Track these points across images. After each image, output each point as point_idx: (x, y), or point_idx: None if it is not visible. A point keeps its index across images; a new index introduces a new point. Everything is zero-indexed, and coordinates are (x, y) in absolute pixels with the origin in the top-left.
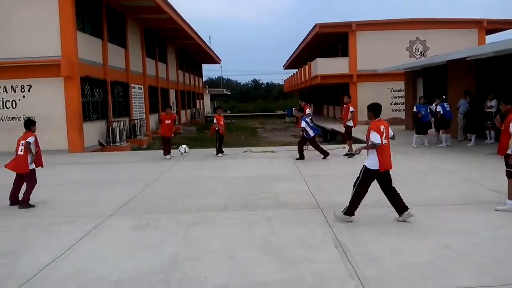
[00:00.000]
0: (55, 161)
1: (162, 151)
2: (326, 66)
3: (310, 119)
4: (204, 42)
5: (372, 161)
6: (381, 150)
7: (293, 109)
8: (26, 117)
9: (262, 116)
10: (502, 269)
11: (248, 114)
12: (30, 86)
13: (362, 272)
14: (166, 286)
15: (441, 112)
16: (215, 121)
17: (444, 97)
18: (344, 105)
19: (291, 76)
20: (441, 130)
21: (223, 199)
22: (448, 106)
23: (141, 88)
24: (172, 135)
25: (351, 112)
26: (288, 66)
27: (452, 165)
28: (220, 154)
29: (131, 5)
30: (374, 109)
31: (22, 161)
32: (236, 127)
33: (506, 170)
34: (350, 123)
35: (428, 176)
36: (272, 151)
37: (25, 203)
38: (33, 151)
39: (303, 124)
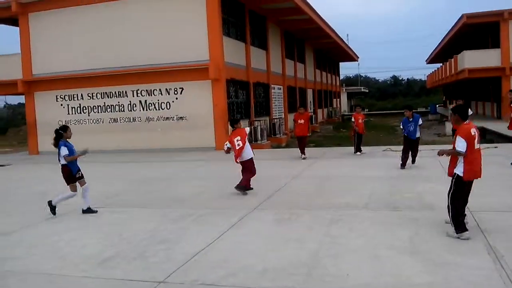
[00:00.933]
0: (207, 158)
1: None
2: (475, 59)
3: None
4: (342, 40)
5: (462, 169)
6: (470, 157)
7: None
8: (178, 117)
9: (402, 114)
10: None
11: (387, 112)
12: (182, 89)
13: None
14: (309, 279)
15: None
16: (353, 119)
17: None
18: (511, 104)
19: (435, 71)
20: None
21: (363, 198)
22: None
23: (280, 89)
24: (308, 134)
25: None
26: (432, 60)
27: None
28: (358, 153)
29: (272, 7)
30: (460, 112)
31: (238, 154)
32: (374, 126)
33: None
34: None
35: None
36: None
37: (240, 187)
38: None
39: (401, 125)
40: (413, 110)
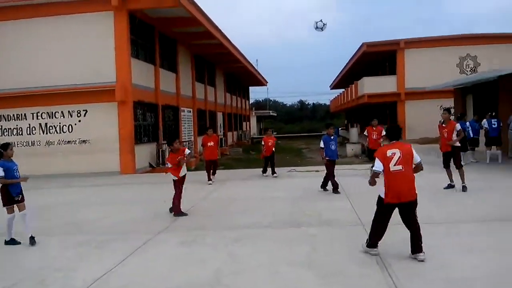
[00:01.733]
0: (110, 182)
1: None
2: (373, 85)
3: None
4: (252, 65)
5: (383, 190)
6: (390, 178)
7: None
8: (81, 140)
9: (308, 137)
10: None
11: (294, 135)
12: (86, 111)
13: (403, 286)
14: None
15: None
16: (263, 143)
17: (493, 113)
18: (442, 124)
19: (338, 96)
20: (490, 147)
21: (267, 217)
22: (495, 122)
23: (190, 111)
24: (218, 157)
25: (458, 130)
26: (335, 86)
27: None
28: (264, 174)
29: (182, 31)
30: (389, 133)
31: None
32: (281, 148)
33: None
34: (458, 144)
35: (479, 193)
36: (316, 171)
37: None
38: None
39: (322, 144)
40: (321, 132)
